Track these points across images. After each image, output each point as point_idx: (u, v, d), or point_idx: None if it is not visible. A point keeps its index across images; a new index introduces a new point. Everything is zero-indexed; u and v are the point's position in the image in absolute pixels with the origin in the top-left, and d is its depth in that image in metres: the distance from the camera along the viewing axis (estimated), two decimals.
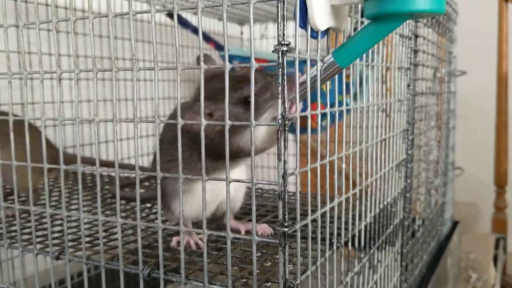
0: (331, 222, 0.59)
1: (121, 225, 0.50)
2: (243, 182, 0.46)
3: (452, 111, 1.29)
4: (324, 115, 1.21)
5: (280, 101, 0.42)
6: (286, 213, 0.43)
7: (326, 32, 0.50)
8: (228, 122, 0.44)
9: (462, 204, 1.81)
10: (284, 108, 0.42)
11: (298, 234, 0.46)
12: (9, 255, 0.61)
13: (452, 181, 1.36)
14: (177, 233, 0.64)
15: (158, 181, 0.48)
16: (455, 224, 1.38)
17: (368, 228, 0.66)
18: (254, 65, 0.42)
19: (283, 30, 0.41)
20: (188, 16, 1.26)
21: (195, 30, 1.21)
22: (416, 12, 0.42)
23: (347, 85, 1.00)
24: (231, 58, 1.24)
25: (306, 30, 0.46)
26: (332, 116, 1.05)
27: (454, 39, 1.24)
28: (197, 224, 0.68)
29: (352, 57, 0.48)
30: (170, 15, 1.21)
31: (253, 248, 0.45)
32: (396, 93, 0.78)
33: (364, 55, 0.69)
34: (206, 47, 1.24)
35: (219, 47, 1.24)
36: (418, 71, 0.90)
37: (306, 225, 0.48)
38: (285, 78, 0.42)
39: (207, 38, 1.23)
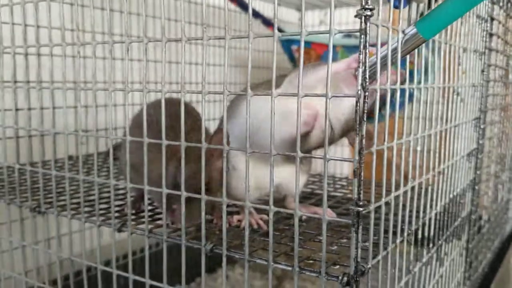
0: (401, 208, 0.56)
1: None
2: (315, 157, 0.43)
3: None
4: (383, 104, 1.17)
5: (360, 70, 0.39)
6: (361, 191, 0.40)
7: (409, 2, 0.47)
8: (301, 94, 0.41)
9: None
10: (365, 78, 0.39)
11: (372, 215, 0.43)
12: (71, 227, 0.60)
13: None
14: (236, 212, 0.62)
15: (224, 155, 0.47)
16: None
17: (437, 217, 0.63)
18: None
19: None
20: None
21: (265, 21, 1.19)
22: None
23: (411, 72, 0.95)
24: (291, 42, 1.21)
25: None
26: (393, 105, 1.01)
27: None
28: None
29: (437, 28, 0.44)
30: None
31: (323, 228, 0.42)
32: (470, 77, 0.74)
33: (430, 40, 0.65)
34: (266, 31, 1.22)
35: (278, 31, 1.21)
36: (492, 57, 0.84)
37: (379, 208, 0.45)
38: (367, 46, 0.39)
39: (267, 23, 1.21)
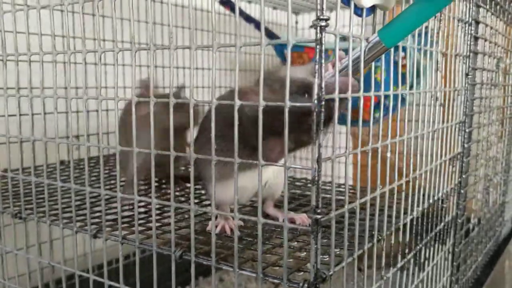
0: (373, 214, 0.56)
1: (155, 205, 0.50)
2: (276, 165, 0.43)
3: None
4: (377, 107, 1.17)
5: (316, 80, 0.39)
6: (320, 199, 0.41)
7: (373, 10, 0.47)
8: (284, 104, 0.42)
9: None
10: (321, 88, 0.40)
11: (333, 222, 0.43)
12: (51, 234, 0.61)
13: None
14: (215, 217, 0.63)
15: (192, 162, 0.47)
16: None
17: (415, 223, 0.63)
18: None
19: (322, 4, 0.39)
20: (242, 4, 1.25)
21: (247, 19, 1.20)
22: None
23: (403, 75, 0.96)
24: (284, 46, 1.22)
25: (349, 6, 0.43)
26: (386, 108, 1.01)
27: None
28: (239, 210, 0.67)
29: (398, 37, 0.45)
30: (223, 2, 1.20)
31: (284, 234, 0.43)
32: (452, 82, 0.74)
33: (422, 41, 0.65)
34: (257, 35, 1.22)
35: (271, 35, 1.22)
36: (479, 60, 0.84)
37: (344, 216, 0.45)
38: (323, 56, 0.39)
39: (259, 26, 1.21)
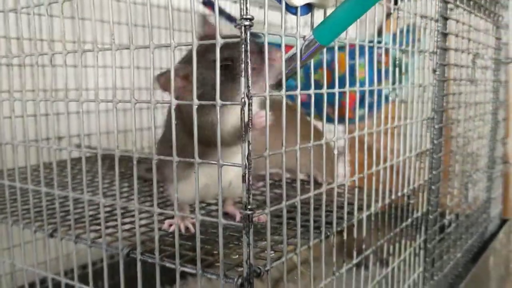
0: (330, 210, 0.57)
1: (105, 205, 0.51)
2: (210, 163, 0.44)
3: (501, 102, 1.20)
4: (361, 104, 1.17)
5: (243, 79, 0.40)
6: (251, 195, 0.42)
7: (310, 8, 0.48)
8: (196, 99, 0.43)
9: None
10: (248, 86, 0.40)
11: (268, 218, 0.44)
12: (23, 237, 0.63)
13: (501, 177, 1.27)
14: (171, 216, 0.64)
15: (154, 164, 0.48)
16: (503, 222, 1.29)
17: (373, 219, 0.63)
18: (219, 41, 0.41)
19: (246, 3, 0.39)
20: (227, 4, 1.26)
21: (229, 18, 1.20)
22: None
23: (387, 72, 0.96)
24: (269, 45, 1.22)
25: (280, 4, 0.44)
26: (370, 105, 1.02)
27: (503, 25, 1.15)
28: (203, 208, 0.68)
29: (332, 34, 0.45)
30: (205, 2, 1.21)
31: (220, 231, 0.43)
32: (416, 77, 0.74)
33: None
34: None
35: (254, 35, 1.22)
36: (450, 56, 0.84)
37: (295, 208, 0.46)
38: (248, 55, 0.40)
39: (231, 19, 1.22)
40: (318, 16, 0.50)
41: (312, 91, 0.49)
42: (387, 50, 1.00)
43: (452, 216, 0.93)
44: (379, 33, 1.04)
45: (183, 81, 0.50)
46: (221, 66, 0.43)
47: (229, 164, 0.43)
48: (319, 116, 0.64)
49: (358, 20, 0.50)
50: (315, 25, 0.48)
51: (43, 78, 0.94)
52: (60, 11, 0.51)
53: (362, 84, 0.61)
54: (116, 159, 0.49)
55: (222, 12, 1.19)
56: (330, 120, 0.56)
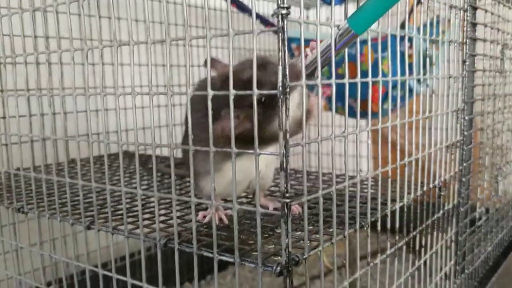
0: (364, 202, 0.57)
1: (144, 197, 0.52)
2: (247, 152, 0.44)
3: None
4: (385, 98, 1.17)
5: (280, 68, 0.40)
6: (289, 184, 0.42)
7: None
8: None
9: None
10: (284, 75, 0.41)
11: (305, 207, 0.44)
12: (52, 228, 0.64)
13: None
14: (204, 208, 0.64)
15: (191, 155, 0.48)
16: None
17: (405, 210, 0.63)
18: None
19: None
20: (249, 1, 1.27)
21: (263, 20, 1.21)
22: None
23: (410, 66, 0.95)
24: (290, 40, 1.22)
25: None
26: (395, 99, 1.01)
27: None
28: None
29: (367, 22, 0.45)
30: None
31: (257, 220, 0.44)
32: (446, 69, 0.73)
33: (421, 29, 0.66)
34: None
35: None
36: (479, 47, 0.83)
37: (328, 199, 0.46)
38: (285, 44, 0.40)
39: (265, 21, 1.22)
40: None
41: (346, 80, 0.49)
42: (411, 43, 1.00)
43: (482, 209, 0.92)
44: (402, 25, 1.04)
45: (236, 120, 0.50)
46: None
47: (267, 153, 0.43)
48: (343, 110, 0.64)
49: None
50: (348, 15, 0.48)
51: (81, 76, 0.96)
52: (95, 8, 0.52)
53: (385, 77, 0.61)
54: (153, 151, 0.50)
55: (245, 8, 1.20)
56: (362, 114, 0.56)
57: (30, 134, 0.64)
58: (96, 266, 0.59)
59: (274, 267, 0.43)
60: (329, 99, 0.54)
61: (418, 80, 1.06)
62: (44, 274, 0.70)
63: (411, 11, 1.02)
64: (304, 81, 0.43)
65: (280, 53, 0.40)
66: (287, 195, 0.42)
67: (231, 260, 0.46)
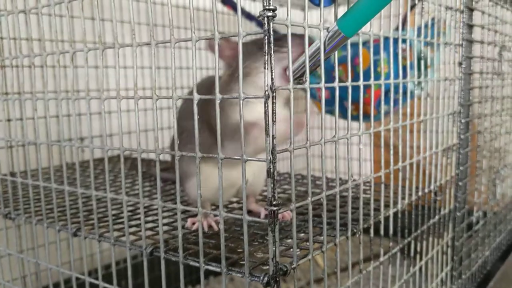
0: (356, 207, 0.56)
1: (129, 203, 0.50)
2: (234, 159, 0.43)
3: None
4: (384, 100, 1.15)
5: (267, 71, 0.39)
6: (276, 191, 0.41)
7: (333, 0, 0.46)
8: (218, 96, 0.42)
9: None
10: (272, 78, 0.39)
11: (294, 215, 0.43)
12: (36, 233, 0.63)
13: None
14: (193, 214, 0.63)
15: (176, 161, 0.47)
16: None
17: (399, 216, 0.61)
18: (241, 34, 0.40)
19: None
20: (246, 3, 1.26)
21: (248, 16, 1.20)
22: None
23: (404, 68, 0.94)
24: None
25: None
26: (393, 101, 0.99)
27: None
28: (224, 207, 0.67)
29: (357, 25, 0.44)
30: (224, 1, 1.21)
31: (244, 228, 0.42)
32: (441, 71, 0.72)
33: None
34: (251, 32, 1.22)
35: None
36: (475, 49, 0.82)
37: (319, 205, 0.45)
38: (271, 47, 0.39)
39: (261, 24, 1.21)
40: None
41: (336, 84, 0.47)
42: (411, 45, 0.99)
43: (479, 213, 0.90)
44: (402, 27, 1.03)
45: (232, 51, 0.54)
46: None
47: (253, 159, 0.42)
48: (341, 114, 0.63)
49: (381, 13, 0.49)
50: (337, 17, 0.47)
51: (64, 79, 0.95)
52: (79, 10, 0.51)
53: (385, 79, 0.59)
54: (139, 157, 0.49)
55: (241, 11, 1.18)
56: (353, 117, 0.55)
57: (22, 138, 0.63)
58: (82, 274, 0.57)
59: (262, 277, 0.42)
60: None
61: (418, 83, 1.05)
62: (38, 280, 0.69)
63: (405, 14, 1.01)
64: (292, 85, 0.42)
65: (266, 57, 0.39)
66: (275, 202, 0.40)
67: (217, 270, 0.45)
